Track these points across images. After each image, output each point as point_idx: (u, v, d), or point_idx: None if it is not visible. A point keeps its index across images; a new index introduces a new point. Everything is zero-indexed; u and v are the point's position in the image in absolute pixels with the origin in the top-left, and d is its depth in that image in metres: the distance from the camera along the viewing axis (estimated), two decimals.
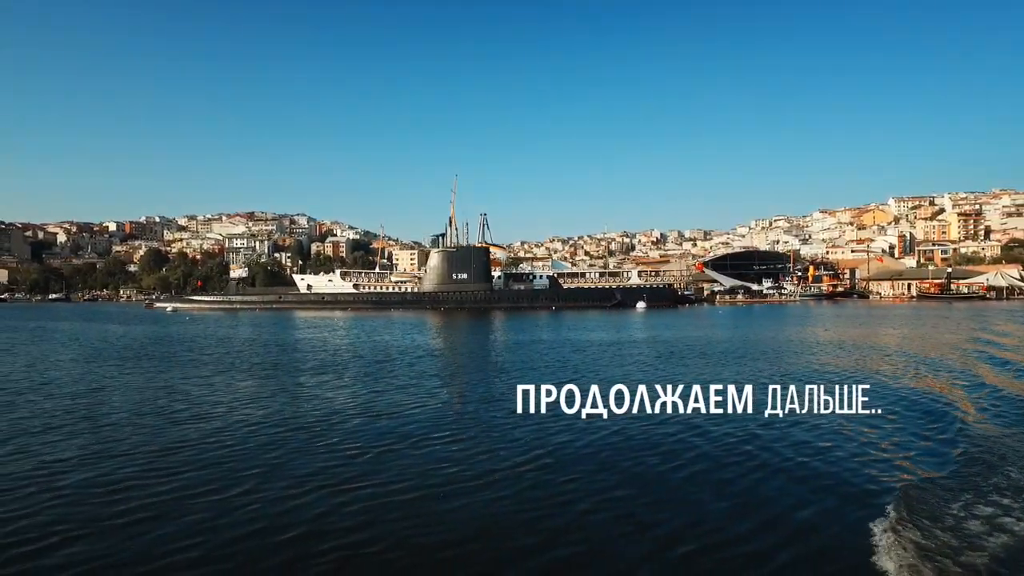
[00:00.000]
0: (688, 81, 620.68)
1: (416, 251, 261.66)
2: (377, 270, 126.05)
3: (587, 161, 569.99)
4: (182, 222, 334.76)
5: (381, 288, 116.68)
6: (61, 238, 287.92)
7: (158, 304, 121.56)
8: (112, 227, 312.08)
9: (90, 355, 30.79)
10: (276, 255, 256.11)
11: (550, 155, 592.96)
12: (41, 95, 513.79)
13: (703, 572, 7.23)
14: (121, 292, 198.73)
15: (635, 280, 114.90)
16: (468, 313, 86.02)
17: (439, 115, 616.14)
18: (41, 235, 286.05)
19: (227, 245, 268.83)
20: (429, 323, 58.57)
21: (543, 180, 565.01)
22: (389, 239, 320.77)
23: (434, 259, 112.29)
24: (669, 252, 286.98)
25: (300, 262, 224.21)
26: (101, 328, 54.86)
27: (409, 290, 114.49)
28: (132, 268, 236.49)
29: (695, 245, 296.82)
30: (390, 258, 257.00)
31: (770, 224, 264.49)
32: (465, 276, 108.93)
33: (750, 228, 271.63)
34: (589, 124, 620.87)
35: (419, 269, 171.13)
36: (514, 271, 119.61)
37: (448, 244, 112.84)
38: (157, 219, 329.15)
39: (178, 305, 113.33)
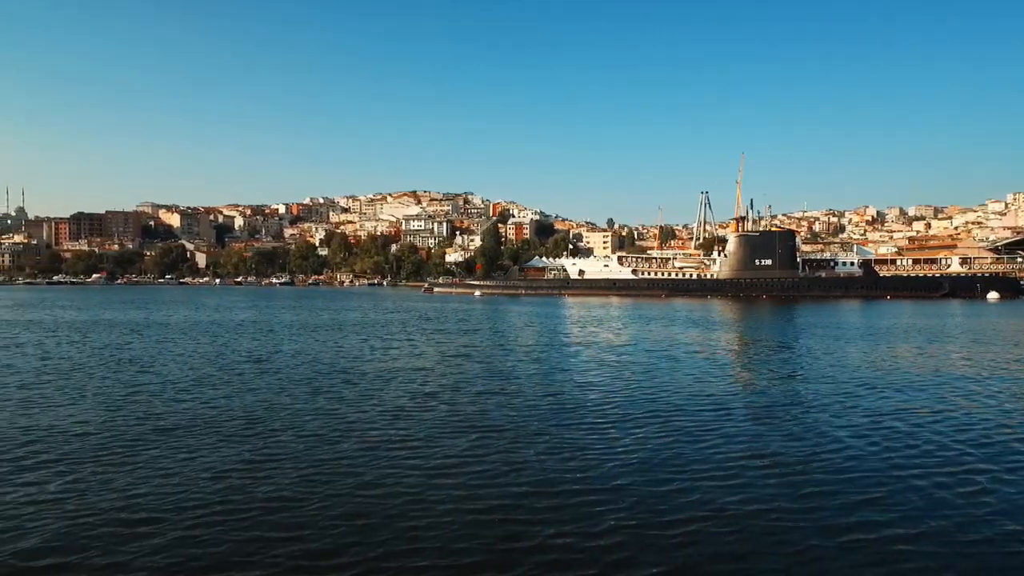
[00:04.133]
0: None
1: (610, 234, 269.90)
2: (655, 254, 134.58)
3: (767, 132, 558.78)
4: (343, 203, 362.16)
5: (664, 274, 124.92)
6: (239, 222, 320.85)
7: (439, 289, 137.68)
8: (281, 209, 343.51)
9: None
10: (458, 237, 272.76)
11: (720, 127, 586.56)
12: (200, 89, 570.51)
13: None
14: (337, 276, 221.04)
15: (956, 267, 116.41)
16: (774, 302, 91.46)
17: (603, 91, 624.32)
18: (220, 219, 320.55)
19: (404, 227, 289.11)
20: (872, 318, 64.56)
21: (711, 153, 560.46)
22: (562, 219, 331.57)
23: (732, 243, 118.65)
24: (893, 232, 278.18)
25: (497, 245, 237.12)
26: (522, 312, 65.50)
27: (695, 276, 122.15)
28: (322, 252, 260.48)
29: (928, 225, 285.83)
30: (579, 240, 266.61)
31: None
32: (769, 262, 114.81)
33: (1007, 203, 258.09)
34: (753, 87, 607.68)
35: (623, 251, 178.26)
36: (814, 257, 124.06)
37: (747, 228, 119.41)
38: (321, 200, 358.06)
39: (489, 291, 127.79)
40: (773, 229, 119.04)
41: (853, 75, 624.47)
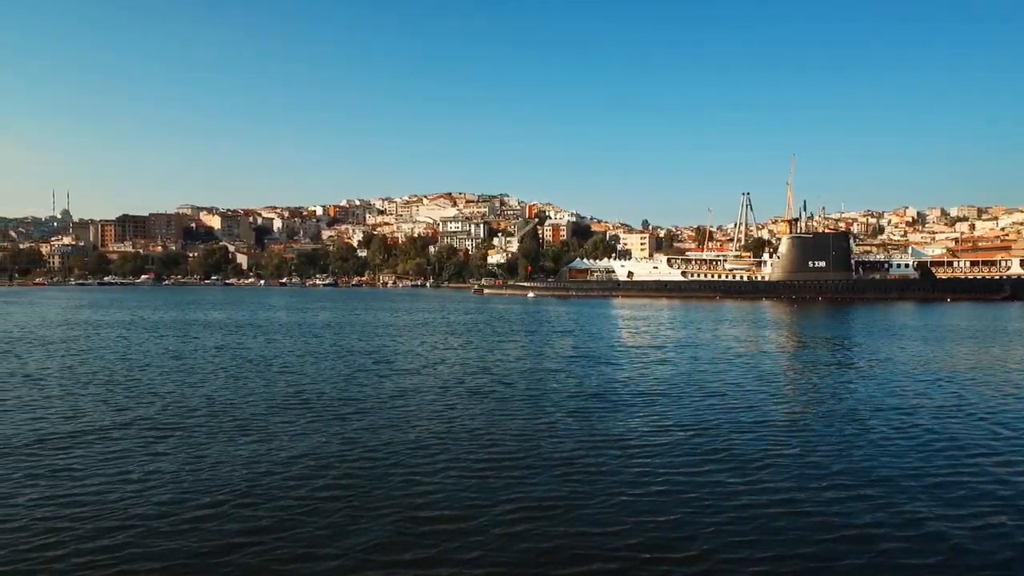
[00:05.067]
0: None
1: (648, 236, 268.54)
2: (705, 255, 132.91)
3: (802, 132, 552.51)
4: (379, 205, 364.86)
5: (714, 276, 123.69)
6: (277, 223, 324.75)
7: (489, 290, 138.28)
8: (318, 211, 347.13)
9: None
10: (495, 239, 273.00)
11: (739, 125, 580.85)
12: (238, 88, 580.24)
13: None
14: (379, 278, 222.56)
15: (1016, 269, 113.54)
16: (831, 304, 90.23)
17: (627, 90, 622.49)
18: (259, 220, 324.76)
19: (441, 229, 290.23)
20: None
21: (743, 153, 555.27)
22: (598, 221, 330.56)
23: (785, 245, 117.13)
24: (935, 233, 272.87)
25: (538, 247, 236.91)
26: (581, 314, 65.36)
27: (746, 278, 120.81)
28: (361, 253, 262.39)
29: (973, 227, 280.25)
30: (616, 241, 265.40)
31: None
32: (823, 264, 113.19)
33: None
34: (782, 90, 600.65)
35: (660, 253, 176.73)
36: (867, 259, 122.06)
37: (802, 230, 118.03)
38: (357, 202, 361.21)
39: (540, 293, 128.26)
40: (827, 231, 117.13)
41: (890, 75, 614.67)
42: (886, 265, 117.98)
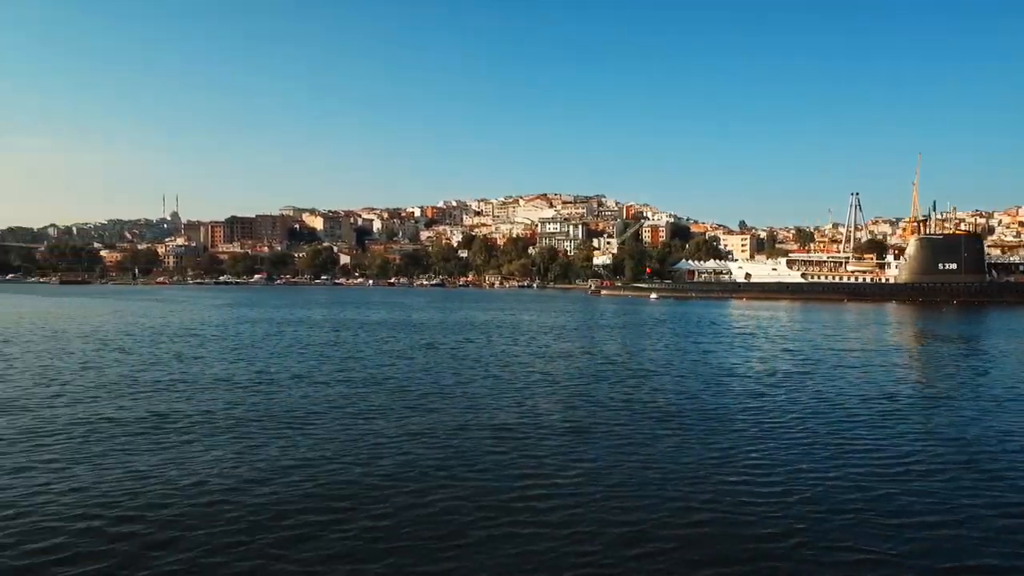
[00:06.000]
0: None
1: (748, 237, 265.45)
2: (827, 257, 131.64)
3: (906, 129, 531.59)
4: (475, 206, 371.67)
5: (836, 278, 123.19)
6: (376, 224, 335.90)
7: (607, 292, 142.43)
8: (416, 212, 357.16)
9: None
10: (595, 240, 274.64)
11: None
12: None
13: None
14: (486, 278, 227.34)
15: None
16: (965, 308, 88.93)
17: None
18: (359, 221, 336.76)
19: (539, 230, 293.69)
20: None
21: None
22: (695, 221, 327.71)
23: (912, 246, 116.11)
24: None
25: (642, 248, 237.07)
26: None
27: (871, 280, 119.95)
28: (461, 254, 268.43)
29: None
30: (716, 242, 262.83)
31: None
32: (954, 266, 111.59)
33: None
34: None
35: (761, 254, 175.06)
36: (1000, 260, 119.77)
37: (932, 231, 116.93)
38: (454, 203, 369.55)
39: (660, 294, 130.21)
40: (956, 233, 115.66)
41: (991, 69, 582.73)
42: (1022, 267, 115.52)
